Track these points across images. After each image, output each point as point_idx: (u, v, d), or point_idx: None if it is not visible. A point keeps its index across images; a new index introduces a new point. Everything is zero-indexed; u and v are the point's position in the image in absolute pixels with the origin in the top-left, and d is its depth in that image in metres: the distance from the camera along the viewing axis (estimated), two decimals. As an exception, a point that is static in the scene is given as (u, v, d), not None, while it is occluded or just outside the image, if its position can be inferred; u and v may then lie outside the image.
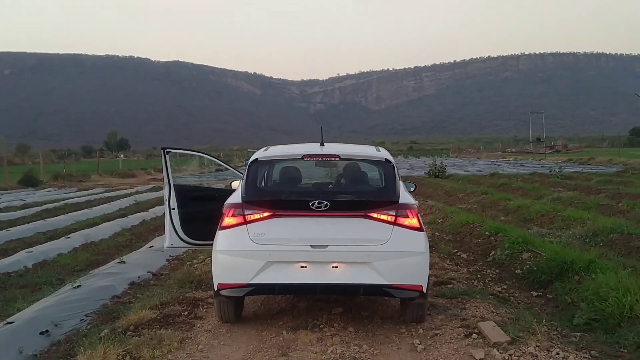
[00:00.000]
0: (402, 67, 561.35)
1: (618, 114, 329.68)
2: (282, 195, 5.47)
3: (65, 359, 5.01)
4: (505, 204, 15.22)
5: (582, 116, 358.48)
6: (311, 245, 5.01)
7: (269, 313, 5.96)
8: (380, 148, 6.11)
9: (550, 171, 28.59)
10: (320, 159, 5.68)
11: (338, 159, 5.61)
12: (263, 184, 5.99)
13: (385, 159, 5.54)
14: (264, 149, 6.02)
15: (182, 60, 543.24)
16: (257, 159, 5.59)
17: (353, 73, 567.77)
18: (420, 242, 5.11)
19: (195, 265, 8.69)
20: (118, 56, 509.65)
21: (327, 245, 5.01)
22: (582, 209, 13.47)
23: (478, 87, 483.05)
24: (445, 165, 30.74)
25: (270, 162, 5.99)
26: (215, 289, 5.20)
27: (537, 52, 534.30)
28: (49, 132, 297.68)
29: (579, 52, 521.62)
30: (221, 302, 5.44)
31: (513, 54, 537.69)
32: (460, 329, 5.22)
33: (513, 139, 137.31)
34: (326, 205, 5.06)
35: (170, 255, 9.64)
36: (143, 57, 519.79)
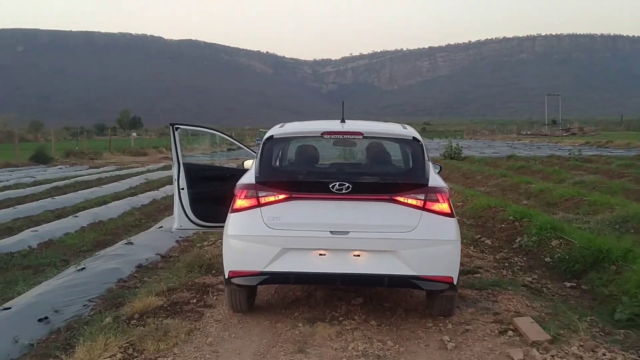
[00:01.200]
0: (416, 48, 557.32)
1: (634, 97, 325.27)
2: (299, 176, 4.96)
3: (64, 349, 4.61)
4: (527, 187, 14.68)
5: (598, 99, 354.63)
6: (331, 232, 4.56)
7: (284, 302, 5.52)
8: (407, 126, 5.60)
9: (569, 154, 27.92)
10: (341, 136, 5.15)
11: (361, 137, 5.09)
12: (278, 163, 5.55)
13: (413, 137, 5.04)
14: (279, 125, 5.54)
15: (194, 38, 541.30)
16: (272, 136, 5.12)
17: (366, 53, 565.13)
18: (451, 229, 4.64)
19: (206, 248, 8.29)
20: (131, 34, 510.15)
21: (349, 232, 4.56)
22: (607, 193, 12.92)
23: (493, 68, 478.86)
24: (461, 147, 30.14)
25: (287, 140, 5.53)
26: (226, 277, 4.77)
27: (554, 34, 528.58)
28: (62, 110, 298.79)
29: (596, 34, 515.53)
30: (232, 291, 5.01)
31: (529, 35, 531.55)
32: (493, 324, 4.76)
33: (528, 121, 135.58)
34: (348, 187, 4.59)
35: (179, 237, 9.25)
36: (156, 35, 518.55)
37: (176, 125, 6.35)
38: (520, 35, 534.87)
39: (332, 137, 5.10)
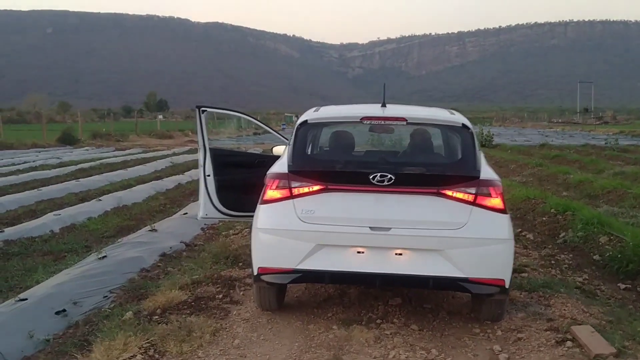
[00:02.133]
0: (445, 32, 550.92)
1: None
2: (336, 165, 4.52)
3: (82, 346, 4.29)
4: (565, 178, 14.06)
5: (631, 87, 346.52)
6: (370, 227, 4.14)
7: (316, 300, 5.12)
8: (455, 111, 5.09)
9: (605, 143, 27.03)
10: (382, 122, 4.67)
11: (404, 122, 4.58)
12: (312, 151, 5.12)
13: (463, 124, 4.54)
14: (314, 109, 5.10)
15: (221, 21, 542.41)
16: (306, 121, 4.68)
17: (394, 37, 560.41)
18: (504, 226, 4.18)
19: (232, 237, 7.95)
20: (158, 16, 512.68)
21: (390, 228, 4.13)
22: (651, 185, 12.26)
23: (523, 54, 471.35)
24: (493, 134, 29.42)
25: (322, 125, 5.09)
26: (255, 274, 4.38)
27: (586, 20, 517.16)
28: (89, 92, 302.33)
29: (630, 21, 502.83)
30: (261, 288, 4.62)
31: (561, 20, 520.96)
32: (548, 332, 4.29)
33: (558, 109, 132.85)
34: (390, 179, 4.16)
35: (205, 224, 8.91)
36: (183, 17, 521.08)
37: (203, 108, 5.99)
38: (552, 21, 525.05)
39: (373, 122, 4.65)
